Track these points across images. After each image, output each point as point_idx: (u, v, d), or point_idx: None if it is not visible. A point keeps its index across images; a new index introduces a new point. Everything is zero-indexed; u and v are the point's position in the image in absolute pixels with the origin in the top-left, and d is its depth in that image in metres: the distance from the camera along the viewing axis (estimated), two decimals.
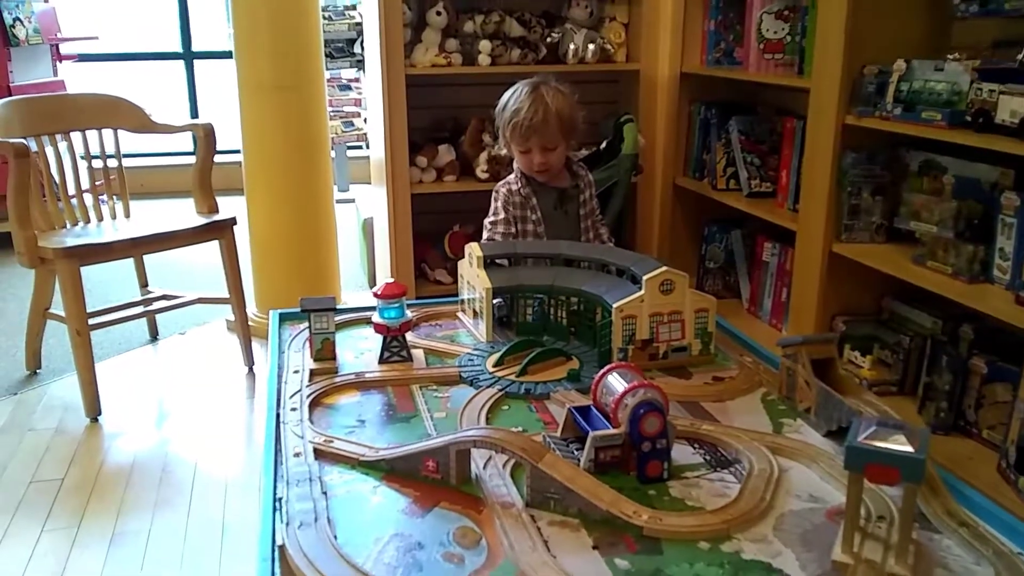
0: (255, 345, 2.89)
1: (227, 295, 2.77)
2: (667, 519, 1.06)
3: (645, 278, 1.52)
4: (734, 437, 1.27)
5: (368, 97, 3.66)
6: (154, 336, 3.07)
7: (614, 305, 1.51)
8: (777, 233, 2.69)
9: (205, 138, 2.71)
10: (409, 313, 1.58)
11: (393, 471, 1.19)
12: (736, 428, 1.31)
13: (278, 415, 1.36)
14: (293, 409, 1.38)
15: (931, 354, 2.08)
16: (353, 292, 3.49)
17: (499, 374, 1.51)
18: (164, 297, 2.90)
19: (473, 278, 1.71)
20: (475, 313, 1.72)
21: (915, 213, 2.07)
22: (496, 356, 1.56)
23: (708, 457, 1.23)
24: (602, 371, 1.26)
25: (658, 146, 3.11)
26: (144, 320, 3.02)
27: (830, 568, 0.97)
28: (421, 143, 3.08)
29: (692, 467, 1.21)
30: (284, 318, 1.82)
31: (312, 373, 1.52)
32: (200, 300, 2.87)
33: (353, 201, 4.40)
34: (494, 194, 2.15)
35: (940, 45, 2.13)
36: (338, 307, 1.60)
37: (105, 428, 2.48)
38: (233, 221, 2.68)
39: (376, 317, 1.56)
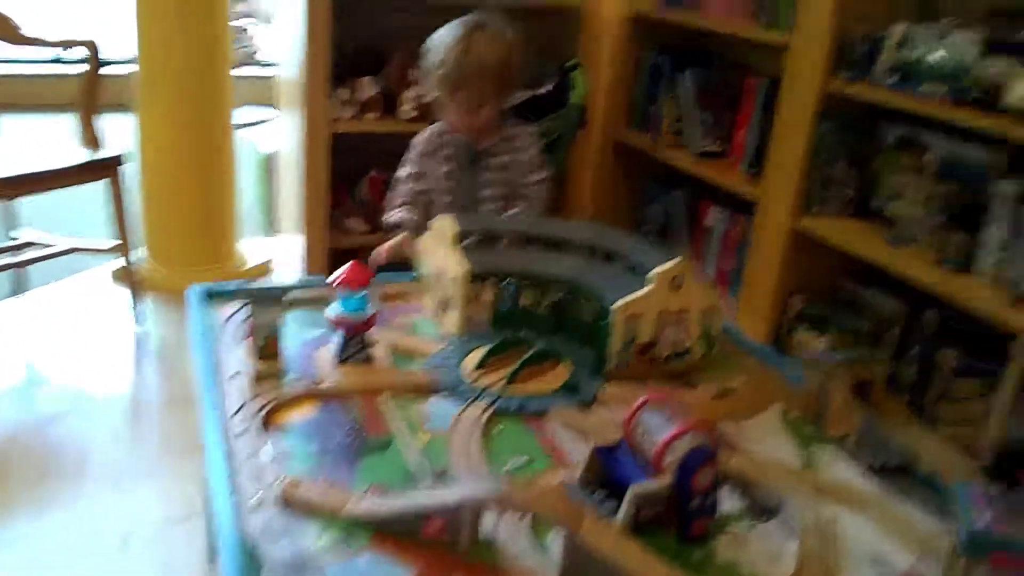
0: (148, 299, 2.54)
1: (113, 242, 2.40)
2: None
3: (656, 272, 1.32)
4: (768, 473, 1.11)
5: (277, 12, 3.26)
6: (20, 288, 2.65)
7: (615, 305, 1.31)
8: (724, 198, 2.54)
9: (91, 58, 2.29)
10: (372, 307, 1.33)
11: (384, 529, 0.96)
12: (766, 462, 1.15)
13: (225, 441, 1.10)
14: (239, 434, 1.12)
15: (898, 342, 1.99)
16: (252, 239, 3.13)
17: (482, 382, 1.29)
18: (31, 244, 2.49)
19: (442, 258, 1.46)
20: (442, 299, 1.48)
21: (895, 193, 1.95)
22: (475, 357, 1.34)
23: (748, 502, 1.07)
24: (638, 403, 1.06)
25: (600, 95, 2.89)
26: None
27: None
28: (341, 73, 2.74)
29: (733, 517, 1.04)
30: (211, 296, 1.53)
31: (256, 377, 1.26)
32: (77, 249, 2.48)
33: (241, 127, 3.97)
34: (411, 144, 1.92)
35: (929, 10, 1.99)
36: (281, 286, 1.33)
37: None
38: (121, 160, 2.30)
39: (333, 310, 1.30)
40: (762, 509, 1.05)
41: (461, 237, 1.45)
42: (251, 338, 1.29)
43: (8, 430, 2.01)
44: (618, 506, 0.98)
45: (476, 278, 1.42)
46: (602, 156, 2.97)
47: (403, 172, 1.91)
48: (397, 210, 1.92)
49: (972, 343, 1.91)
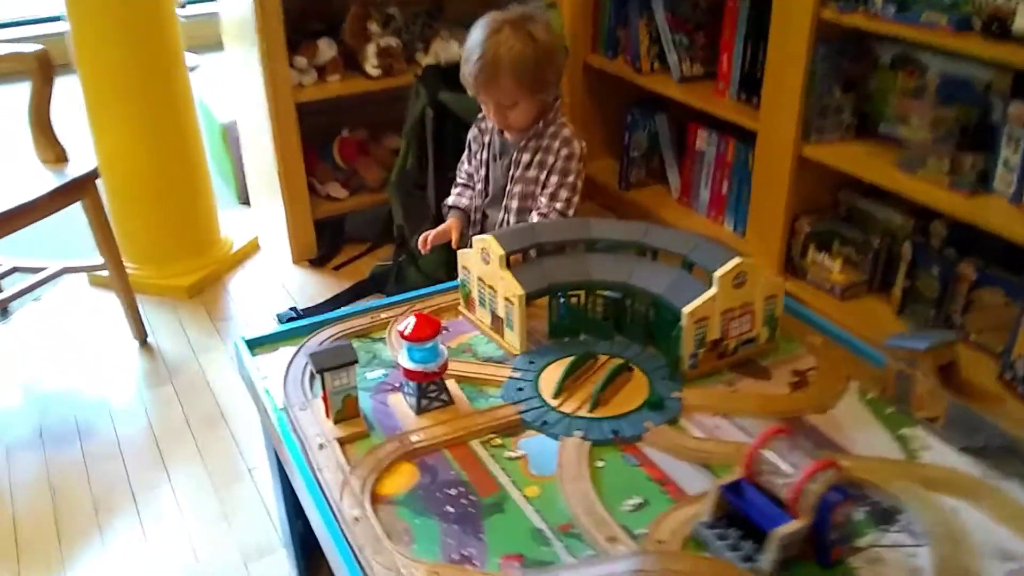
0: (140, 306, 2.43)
1: (101, 259, 2.28)
2: None
3: (717, 275, 1.31)
4: (875, 472, 1.15)
5: None
6: (3, 314, 2.52)
7: (685, 311, 1.31)
8: (712, 120, 2.51)
9: (39, 71, 2.11)
10: (444, 348, 1.30)
11: None
12: (870, 459, 1.18)
13: (339, 525, 1.09)
14: (357, 519, 1.11)
15: (912, 257, 2.03)
16: (224, 212, 3.00)
17: (566, 409, 1.29)
18: (17, 270, 2.35)
19: (493, 279, 1.43)
20: (495, 318, 1.45)
21: (899, 116, 1.95)
22: (550, 379, 1.33)
23: (867, 508, 1.10)
24: (757, 440, 1.06)
25: (563, 18, 2.78)
26: None
27: None
28: (295, 37, 2.58)
29: (860, 528, 1.07)
30: (254, 346, 1.48)
31: (341, 443, 1.24)
32: (67, 270, 2.36)
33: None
34: None
35: None
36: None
37: None
38: (95, 174, 2.16)
39: (405, 361, 1.27)
40: (882, 513, 1.09)
41: (509, 260, 1.41)
42: (325, 401, 1.26)
43: (9, 479, 1.96)
44: (754, 546, 1.01)
45: (535, 297, 1.40)
46: (572, 82, 2.88)
47: (466, 152, 1.88)
48: (453, 192, 1.89)
49: (976, 246, 1.96)
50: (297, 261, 2.80)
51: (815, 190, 2.22)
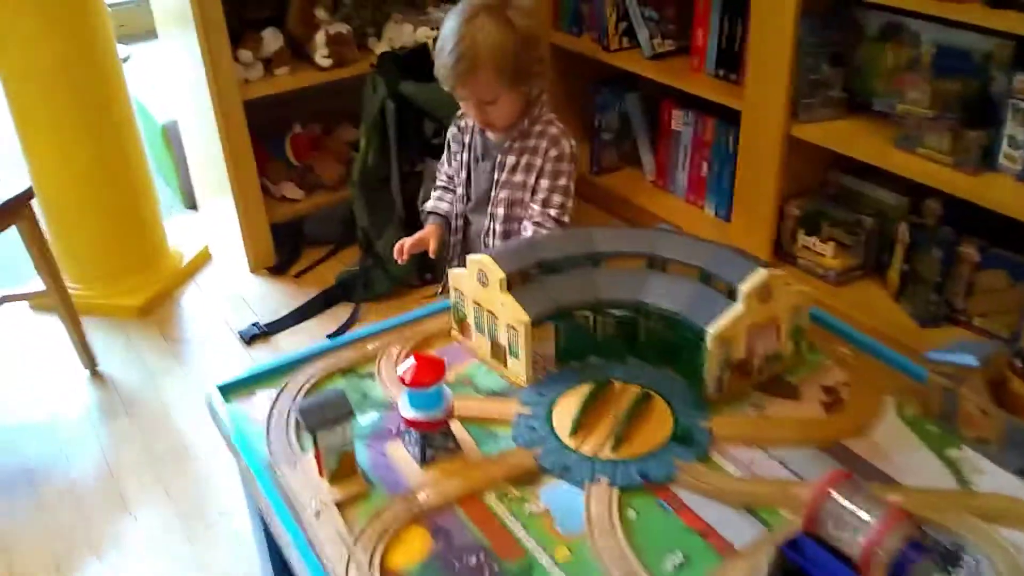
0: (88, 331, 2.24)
1: (42, 286, 2.08)
2: None
3: (744, 290, 1.20)
4: (931, 506, 1.05)
5: None
6: None
7: (711, 331, 1.19)
8: (688, 98, 2.38)
9: None
10: (448, 391, 1.16)
11: None
12: (924, 491, 1.08)
13: None
14: None
15: (911, 240, 1.95)
16: (170, 220, 2.80)
17: (586, 450, 1.17)
18: None
19: (492, 304, 1.29)
20: (495, 345, 1.32)
21: (897, 91, 1.84)
22: (565, 415, 1.21)
23: (927, 547, 1.01)
24: (818, 489, 0.95)
25: None
26: None
27: None
28: (237, 28, 2.38)
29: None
30: (227, 392, 1.32)
31: (340, 507, 1.10)
32: (6, 299, 2.15)
33: None
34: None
35: None
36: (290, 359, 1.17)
37: None
38: (28, 194, 1.95)
39: (405, 409, 1.14)
40: (946, 555, 1.00)
41: (509, 281, 1.28)
42: (318, 459, 1.12)
43: None
44: None
45: (540, 322, 1.27)
46: None
47: (445, 151, 1.74)
48: (432, 196, 1.74)
49: (973, 224, 1.89)
50: (255, 270, 2.62)
51: (802, 171, 2.12)
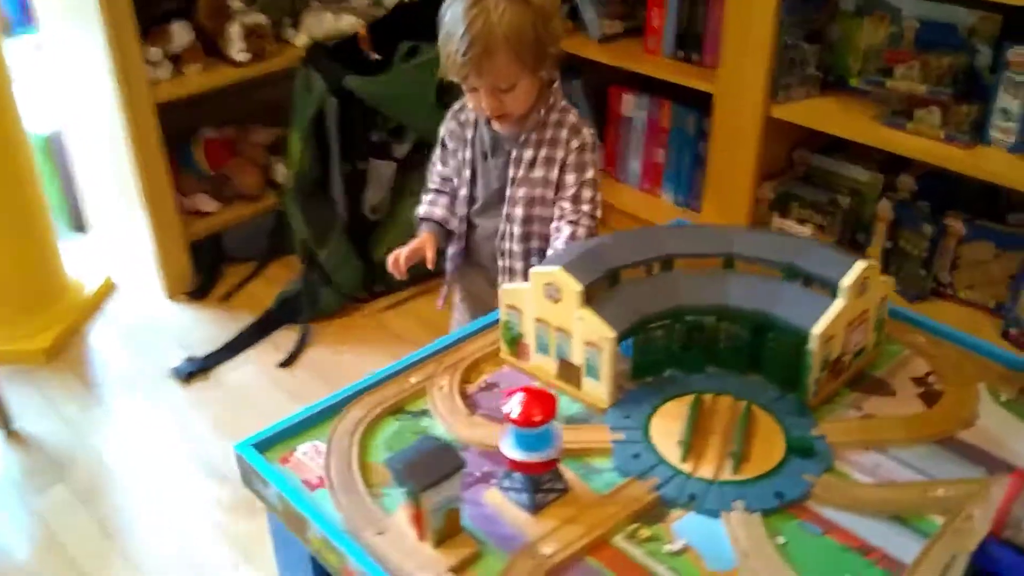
0: None
1: None
2: None
3: (845, 285, 1.11)
4: None
5: None
6: None
7: (815, 331, 1.10)
8: (638, 81, 2.30)
9: None
10: (559, 426, 1.01)
11: None
12: None
13: None
14: None
15: (896, 217, 1.94)
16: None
17: (705, 474, 1.05)
18: None
19: (566, 320, 1.15)
20: (566, 366, 1.18)
21: (884, 69, 1.82)
22: (665, 436, 1.09)
23: None
24: (1009, 491, 0.88)
25: None
26: None
27: None
28: (141, 21, 2.07)
29: None
30: (263, 448, 1.11)
31: (455, 574, 0.93)
32: None
33: None
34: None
35: None
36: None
37: None
38: None
39: (511, 450, 0.98)
40: None
41: (587, 293, 1.13)
42: (418, 521, 0.95)
43: None
44: None
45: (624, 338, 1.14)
46: None
47: (436, 150, 1.55)
48: (425, 200, 1.54)
49: (949, 199, 1.91)
50: (172, 296, 2.33)
51: (772, 152, 2.08)
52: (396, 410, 1.18)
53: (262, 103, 2.40)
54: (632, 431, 1.11)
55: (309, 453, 1.11)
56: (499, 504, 1.02)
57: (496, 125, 1.43)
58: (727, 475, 1.05)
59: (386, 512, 1.00)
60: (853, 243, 2.07)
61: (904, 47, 1.80)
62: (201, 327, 2.23)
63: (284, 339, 2.17)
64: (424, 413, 1.18)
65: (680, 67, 2.17)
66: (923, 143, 1.78)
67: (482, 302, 1.59)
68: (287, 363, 2.08)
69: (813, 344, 1.10)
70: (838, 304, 1.12)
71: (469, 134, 1.48)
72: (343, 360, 2.09)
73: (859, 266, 1.13)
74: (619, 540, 0.98)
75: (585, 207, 1.42)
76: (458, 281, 1.62)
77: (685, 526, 0.99)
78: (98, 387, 2.03)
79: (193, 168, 2.40)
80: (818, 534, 0.98)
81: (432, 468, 0.92)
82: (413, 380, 1.22)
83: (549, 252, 1.41)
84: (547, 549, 0.95)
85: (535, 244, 1.48)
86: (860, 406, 1.17)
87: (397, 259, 1.50)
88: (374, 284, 2.25)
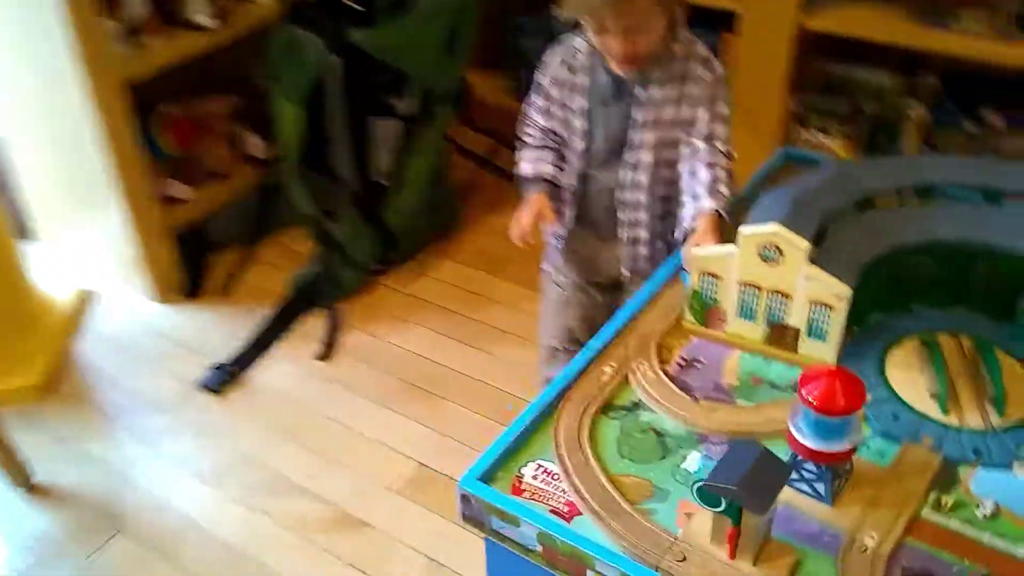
0: None
1: None
2: None
3: None
4: None
5: None
6: None
7: None
8: None
9: None
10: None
11: None
12: None
13: None
14: None
15: (933, 117, 1.93)
16: None
17: (973, 426, 0.99)
18: None
19: (786, 282, 1.05)
20: (778, 329, 1.09)
21: None
22: (915, 394, 1.02)
23: None
24: None
25: None
26: None
27: None
28: None
29: None
30: (487, 479, 0.97)
31: None
32: None
33: None
34: (542, 62, 1.38)
35: None
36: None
37: None
38: None
39: (810, 439, 0.88)
40: None
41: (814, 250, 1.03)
42: (732, 541, 0.85)
43: None
44: None
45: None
46: None
47: (532, 102, 1.39)
48: (526, 158, 1.37)
49: (974, 95, 1.92)
50: (163, 297, 2.06)
51: (799, 65, 2.01)
52: (608, 408, 1.06)
53: (223, 69, 2.12)
54: (876, 389, 1.04)
55: (540, 477, 0.98)
56: (788, 497, 0.93)
57: (618, 67, 1.28)
58: (995, 422, 1.00)
59: (667, 531, 0.89)
60: (878, 148, 2.05)
61: None
62: (208, 329, 1.99)
63: (310, 328, 1.96)
64: (637, 406, 1.06)
65: None
66: (972, 41, 1.76)
67: (589, 262, 1.47)
68: (326, 355, 1.88)
69: None
70: None
71: (582, 80, 1.32)
72: (385, 339, 1.92)
73: None
74: (928, 513, 0.91)
75: (721, 145, 1.30)
76: (563, 240, 1.47)
77: (981, 484, 0.94)
78: (114, 415, 1.78)
79: (155, 150, 2.10)
80: None
81: (767, 482, 0.81)
82: (607, 370, 1.10)
83: (685, 199, 1.29)
84: (870, 540, 0.88)
85: (660, 191, 1.36)
86: None
87: (524, 234, 1.35)
88: (388, 251, 2.07)
